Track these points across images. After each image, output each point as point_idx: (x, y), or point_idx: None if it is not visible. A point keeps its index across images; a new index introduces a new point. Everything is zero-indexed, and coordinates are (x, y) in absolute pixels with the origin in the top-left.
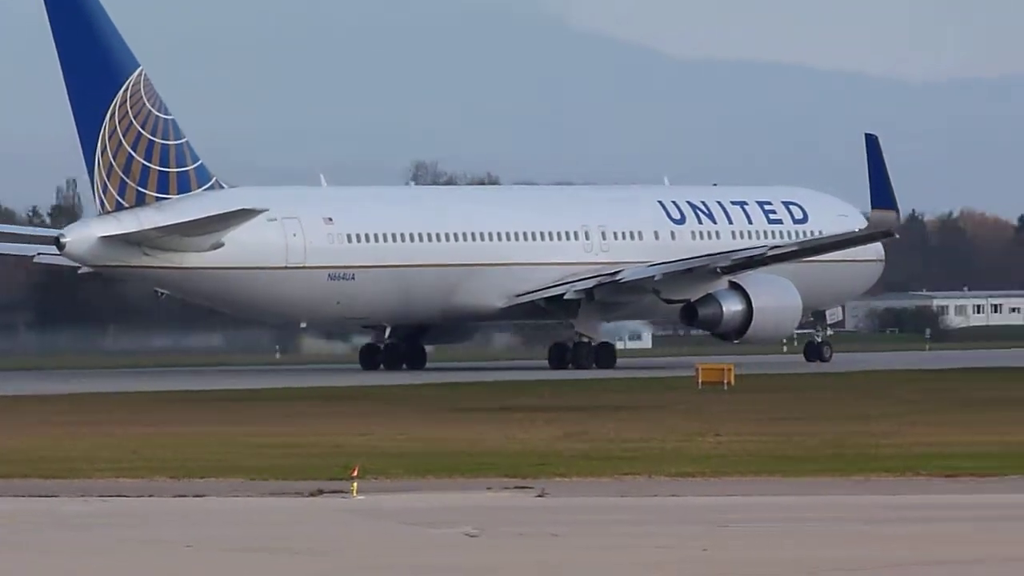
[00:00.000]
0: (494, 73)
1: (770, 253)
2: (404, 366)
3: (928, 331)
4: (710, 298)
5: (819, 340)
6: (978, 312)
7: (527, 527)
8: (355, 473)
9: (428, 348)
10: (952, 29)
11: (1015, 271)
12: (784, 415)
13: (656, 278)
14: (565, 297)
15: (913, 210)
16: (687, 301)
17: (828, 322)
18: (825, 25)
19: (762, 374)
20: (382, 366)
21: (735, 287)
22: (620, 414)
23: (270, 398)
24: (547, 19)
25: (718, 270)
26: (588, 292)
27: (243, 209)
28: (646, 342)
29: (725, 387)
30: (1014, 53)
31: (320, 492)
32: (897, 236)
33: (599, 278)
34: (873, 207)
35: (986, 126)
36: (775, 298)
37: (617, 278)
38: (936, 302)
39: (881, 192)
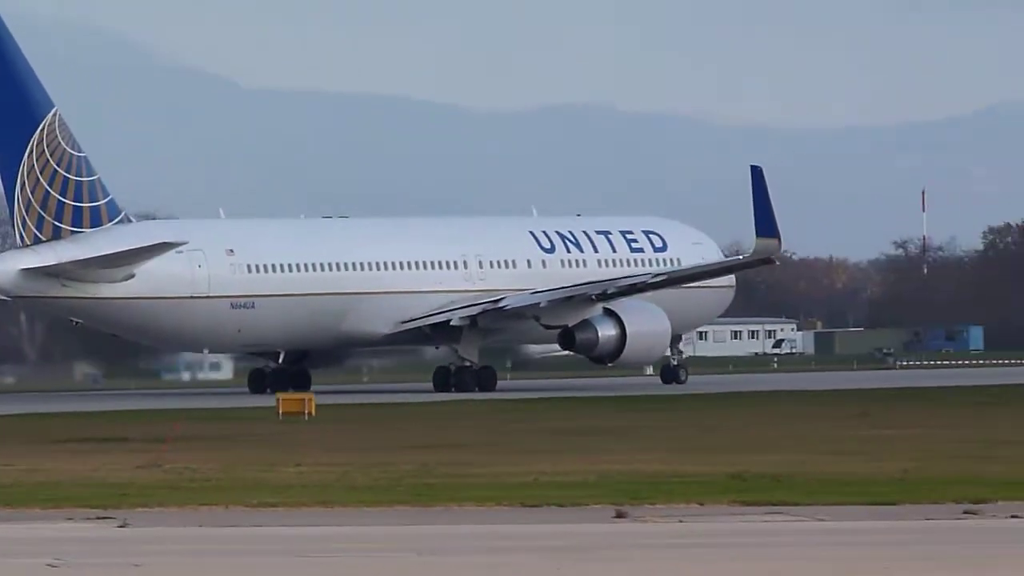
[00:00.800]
0: None
1: (653, 280)
2: (290, 389)
3: (508, 363)
4: (586, 324)
5: (675, 363)
6: None
7: (109, 557)
8: None
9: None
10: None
11: None
12: (368, 445)
13: (541, 305)
14: (451, 324)
15: None
16: (565, 327)
17: (681, 346)
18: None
19: (342, 404)
20: (268, 390)
21: (609, 313)
22: (200, 443)
23: None
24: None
25: (593, 297)
26: (472, 319)
27: (163, 243)
28: (226, 373)
29: (306, 417)
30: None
31: None
32: (778, 263)
33: (482, 305)
34: (758, 235)
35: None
36: (647, 323)
37: (500, 305)
38: None
39: (765, 221)
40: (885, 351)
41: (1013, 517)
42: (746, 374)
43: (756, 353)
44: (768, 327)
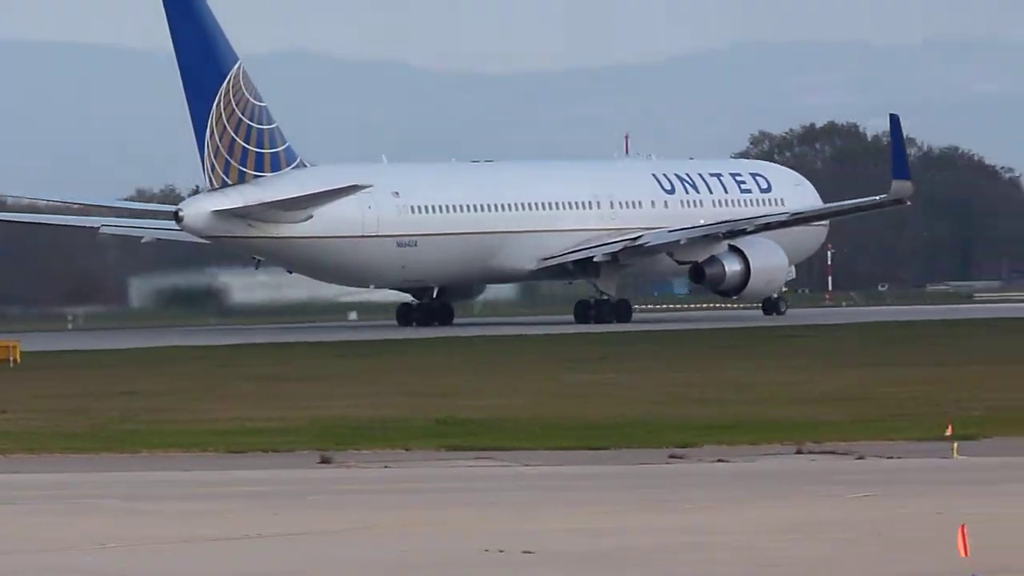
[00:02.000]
0: None
1: (792, 218)
2: (436, 323)
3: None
4: (714, 259)
5: (775, 296)
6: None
7: None
8: None
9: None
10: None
11: None
12: (72, 392)
13: (681, 243)
14: (594, 260)
15: None
16: (695, 262)
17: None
18: None
19: (48, 351)
20: (414, 324)
21: (734, 250)
22: None
23: None
24: None
25: (720, 235)
26: (613, 255)
27: (353, 184)
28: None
29: (11, 364)
30: None
31: None
32: (909, 203)
33: (623, 242)
34: (895, 178)
35: None
36: (768, 259)
37: (640, 242)
38: (222, 279)
39: (900, 165)
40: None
41: (719, 461)
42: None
43: None
44: None
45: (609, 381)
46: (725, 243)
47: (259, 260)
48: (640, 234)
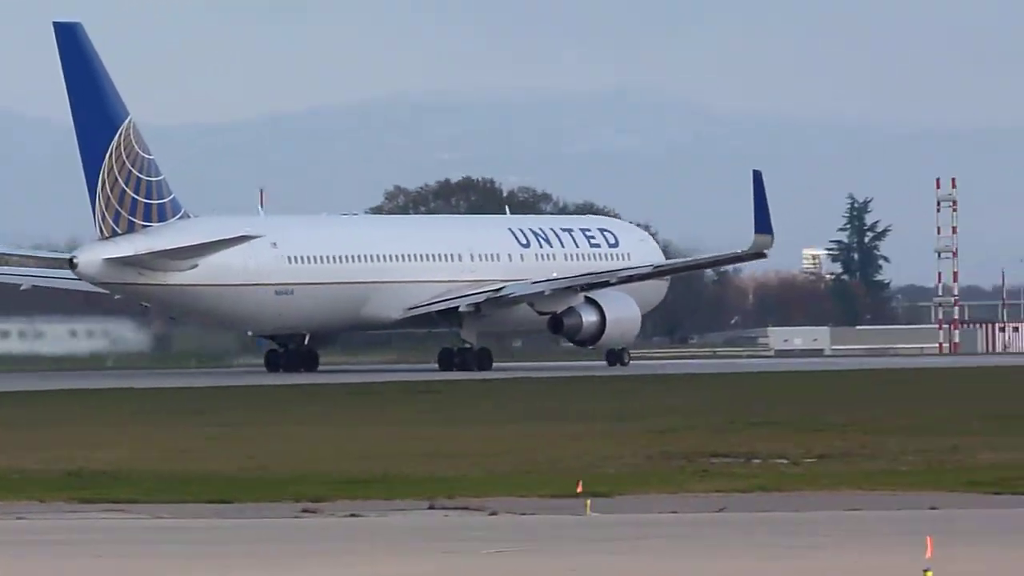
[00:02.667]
0: None
1: (655, 270)
2: (302, 369)
3: None
4: (572, 311)
5: (619, 347)
6: None
7: None
8: None
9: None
10: None
11: None
12: None
13: (546, 294)
14: (460, 310)
15: None
16: (553, 313)
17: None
18: None
19: None
20: (282, 369)
21: (590, 302)
22: None
23: None
24: None
25: (579, 287)
26: (476, 305)
27: (244, 235)
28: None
29: None
30: None
31: None
32: (767, 256)
33: (486, 293)
34: (756, 232)
35: None
36: (623, 310)
37: (503, 293)
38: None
39: (763, 219)
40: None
41: (351, 516)
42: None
43: None
44: None
45: (253, 435)
46: (581, 295)
47: (146, 306)
48: (502, 285)
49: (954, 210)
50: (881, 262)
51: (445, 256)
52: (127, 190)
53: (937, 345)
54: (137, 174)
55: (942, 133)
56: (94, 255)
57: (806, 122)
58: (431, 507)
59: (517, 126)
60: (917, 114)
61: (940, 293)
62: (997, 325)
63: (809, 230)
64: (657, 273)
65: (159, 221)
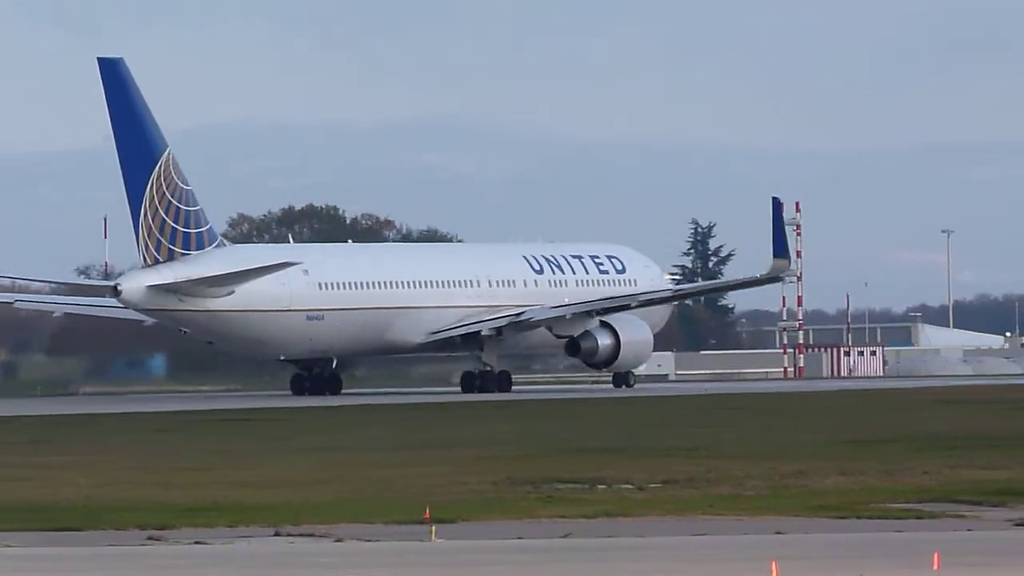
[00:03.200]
0: None
1: (675, 294)
2: (327, 392)
3: None
4: (588, 334)
5: (625, 371)
6: None
7: None
8: None
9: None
10: None
11: None
12: None
13: (567, 317)
14: (482, 334)
15: None
16: (571, 337)
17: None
18: None
19: None
20: (307, 392)
21: (605, 325)
22: None
23: None
24: None
25: (594, 312)
26: (498, 329)
27: (285, 262)
28: None
29: None
30: None
31: None
32: (787, 281)
33: (508, 317)
34: (775, 256)
35: None
36: (636, 333)
37: (524, 318)
38: None
39: (780, 243)
40: None
41: (196, 543)
42: None
43: None
44: None
45: (54, 463)
46: (596, 319)
47: (185, 331)
48: (522, 310)
49: (798, 234)
50: None
51: (464, 282)
52: (167, 219)
53: (782, 369)
54: (176, 204)
55: (785, 157)
56: (137, 282)
57: (649, 147)
58: (276, 534)
59: (358, 152)
60: (760, 139)
61: (784, 317)
62: (842, 349)
63: (653, 255)
64: (677, 297)
65: (197, 249)
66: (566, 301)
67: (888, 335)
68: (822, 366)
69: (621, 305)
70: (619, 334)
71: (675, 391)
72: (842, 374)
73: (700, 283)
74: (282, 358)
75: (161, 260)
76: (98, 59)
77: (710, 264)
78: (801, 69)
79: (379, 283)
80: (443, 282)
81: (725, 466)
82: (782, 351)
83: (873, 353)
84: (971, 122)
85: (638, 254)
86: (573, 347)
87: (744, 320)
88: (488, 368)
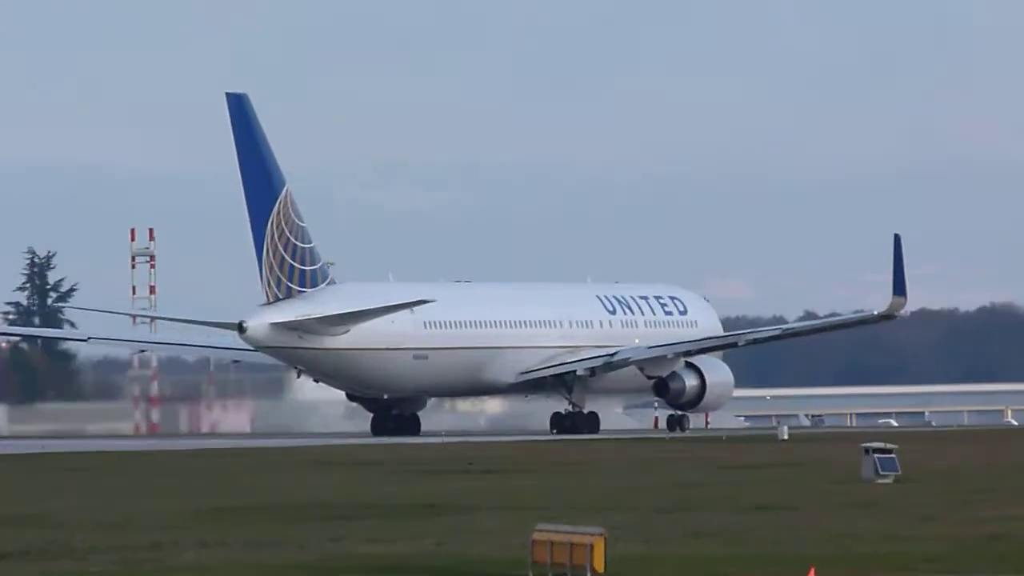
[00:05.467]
0: None
1: (783, 333)
2: (407, 432)
3: None
4: (675, 375)
5: (679, 414)
6: None
7: None
8: None
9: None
10: None
11: None
12: None
13: (668, 357)
14: (578, 373)
15: None
16: (660, 377)
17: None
18: None
19: None
20: (388, 434)
21: (690, 366)
22: None
23: None
24: None
25: (680, 353)
26: (592, 369)
27: (421, 300)
28: None
29: None
30: None
31: None
32: (900, 318)
33: (603, 358)
34: (894, 294)
35: None
36: (720, 375)
37: (617, 358)
38: None
39: (899, 282)
40: None
41: None
42: None
43: None
44: None
45: None
46: (682, 360)
47: (300, 370)
48: (616, 350)
49: (152, 266)
50: (67, 327)
51: (549, 323)
52: (286, 256)
53: (133, 426)
54: (294, 241)
55: (142, 180)
56: (262, 319)
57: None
58: None
59: None
60: (112, 158)
61: (136, 366)
62: (203, 402)
63: None
64: (786, 335)
65: (311, 287)
66: (636, 343)
67: (257, 387)
68: (180, 421)
69: (725, 344)
70: (704, 375)
71: (6, 448)
72: (203, 430)
73: (809, 322)
74: (386, 397)
75: (281, 297)
76: (226, 94)
77: (49, 300)
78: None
79: (477, 323)
80: (531, 322)
81: (66, 537)
82: (132, 404)
83: (238, 407)
84: None
85: (694, 295)
86: (662, 387)
87: (91, 368)
88: (577, 408)
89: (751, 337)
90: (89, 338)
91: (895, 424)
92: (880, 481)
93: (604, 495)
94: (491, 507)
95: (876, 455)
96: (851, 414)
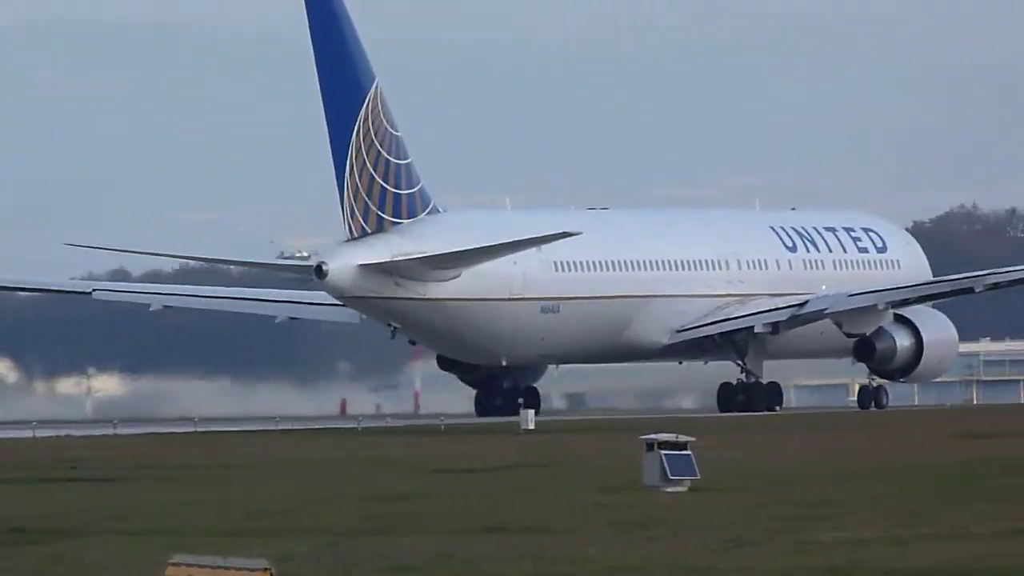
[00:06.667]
0: None
1: (987, 284)
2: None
3: None
4: (882, 332)
5: (875, 384)
6: None
7: None
8: None
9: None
10: None
11: None
12: None
13: (879, 307)
14: (755, 331)
15: None
16: (863, 335)
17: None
18: None
19: None
20: (496, 413)
21: (902, 320)
22: None
23: None
24: None
25: (880, 304)
26: (774, 325)
27: (564, 232)
28: None
29: None
30: None
31: None
32: None
33: (788, 308)
34: None
35: None
36: (940, 331)
37: (808, 309)
38: None
39: None
40: None
41: None
42: None
43: None
44: None
45: None
46: (890, 312)
47: (394, 328)
48: (805, 299)
49: None
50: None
51: (710, 263)
52: (376, 177)
53: None
54: (386, 156)
55: None
56: (347, 260)
57: None
58: None
59: None
60: None
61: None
62: None
63: None
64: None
65: (408, 216)
66: (823, 289)
67: None
68: None
69: (957, 290)
70: (921, 333)
71: None
72: None
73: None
74: (503, 363)
75: (368, 230)
76: None
77: None
78: None
79: (621, 263)
80: (686, 263)
81: None
82: None
83: None
84: None
85: (895, 226)
86: (866, 349)
87: None
88: (753, 378)
89: (990, 281)
90: (93, 290)
91: None
92: (669, 489)
93: (275, 510)
94: (107, 531)
95: (663, 452)
96: None
